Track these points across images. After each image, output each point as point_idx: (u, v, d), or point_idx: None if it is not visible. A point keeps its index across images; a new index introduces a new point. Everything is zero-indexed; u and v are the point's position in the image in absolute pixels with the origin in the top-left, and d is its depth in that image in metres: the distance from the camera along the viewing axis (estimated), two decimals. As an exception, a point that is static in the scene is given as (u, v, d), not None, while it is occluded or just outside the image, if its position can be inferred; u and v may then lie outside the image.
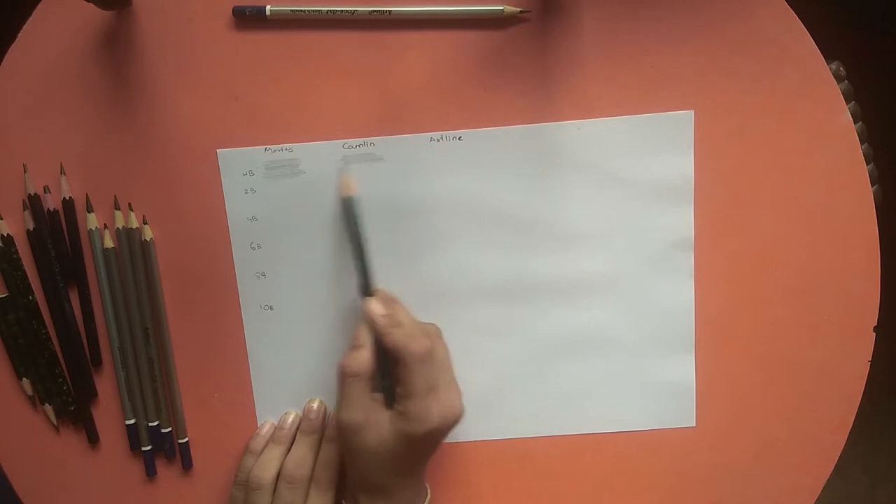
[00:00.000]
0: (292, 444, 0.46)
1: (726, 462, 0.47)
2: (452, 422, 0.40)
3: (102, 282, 0.45)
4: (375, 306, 0.42)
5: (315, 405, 0.46)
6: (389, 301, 0.43)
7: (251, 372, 0.47)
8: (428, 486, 0.45)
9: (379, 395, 0.42)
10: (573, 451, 0.47)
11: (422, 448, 0.41)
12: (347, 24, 0.43)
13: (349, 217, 0.43)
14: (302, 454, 0.45)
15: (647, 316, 0.46)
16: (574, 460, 0.48)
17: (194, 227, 0.45)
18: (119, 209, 0.45)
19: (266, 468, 0.44)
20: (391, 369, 0.41)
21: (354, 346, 0.41)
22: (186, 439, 0.47)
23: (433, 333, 0.43)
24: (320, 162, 0.44)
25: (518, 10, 0.42)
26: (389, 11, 0.42)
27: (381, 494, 0.41)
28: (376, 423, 0.40)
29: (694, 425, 0.47)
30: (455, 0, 0.43)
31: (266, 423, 0.47)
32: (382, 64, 0.43)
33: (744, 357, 0.46)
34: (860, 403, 0.46)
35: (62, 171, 0.45)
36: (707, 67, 0.43)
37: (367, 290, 0.43)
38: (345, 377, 0.41)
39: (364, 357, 0.41)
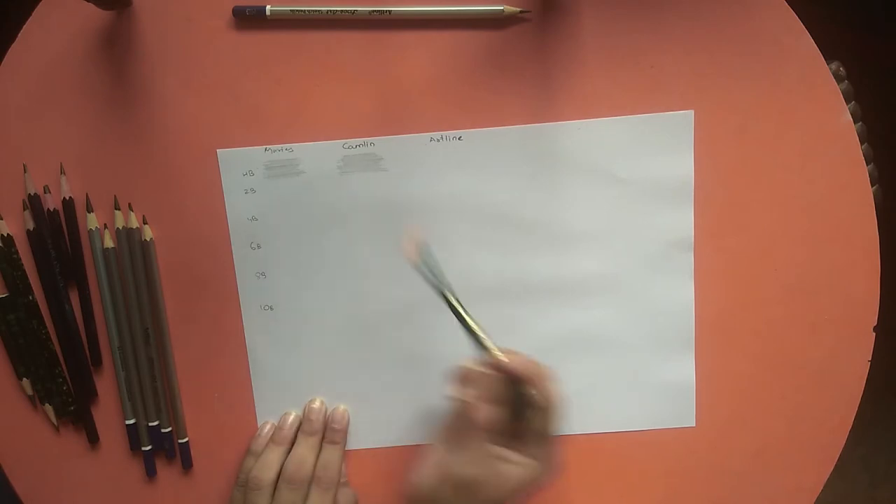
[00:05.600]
0: (293, 444, 0.46)
1: (726, 462, 0.47)
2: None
3: (102, 282, 0.45)
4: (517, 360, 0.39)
5: (315, 405, 0.46)
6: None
7: (251, 372, 0.47)
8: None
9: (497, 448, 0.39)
10: (573, 451, 0.47)
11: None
12: (347, 24, 0.43)
13: (432, 286, 0.40)
14: (302, 455, 0.45)
15: (647, 316, 0.46)
16: (574, 460, 0.48)
17: (194, 227, 0.45)
18: (119, 209, 0.45)
19: (266, 469, 0.44)
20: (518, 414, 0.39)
21: (477, 403, 0.39)
22: (186, 439, 0.47)
23: None
24: (320, 162, 0.44)
25: (518, 10, 0.42)
26: (389, 11, 0.42)
27: None
28: (498, 476, 0.38)
29: (694, 425, 0.47)
30: (455, 0, 0.43)
31: (267, 423, 0.47)
32: (382, 64, 0.43)
33: (744, 357, 0.46)
34: (860, 403, 0.46)
35: (62, 171, 0.45)
36: (707, 67, 0.43)
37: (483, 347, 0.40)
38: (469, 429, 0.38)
39: (492, 412, 0.38)
